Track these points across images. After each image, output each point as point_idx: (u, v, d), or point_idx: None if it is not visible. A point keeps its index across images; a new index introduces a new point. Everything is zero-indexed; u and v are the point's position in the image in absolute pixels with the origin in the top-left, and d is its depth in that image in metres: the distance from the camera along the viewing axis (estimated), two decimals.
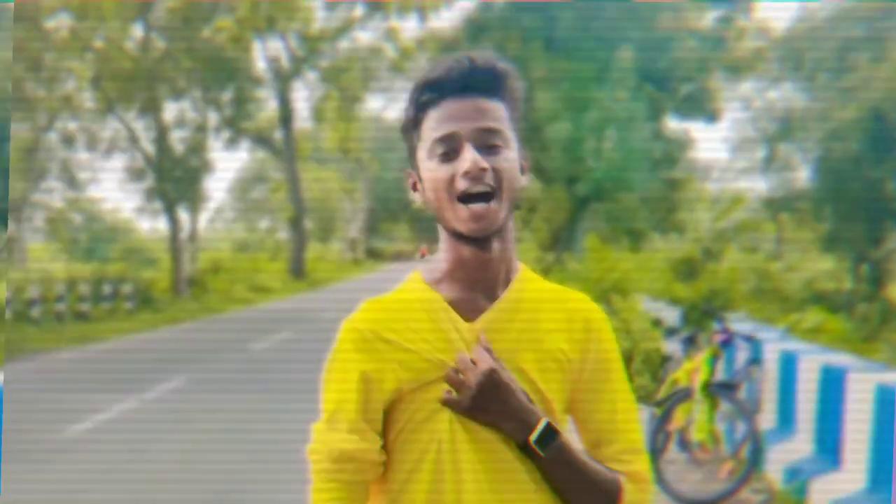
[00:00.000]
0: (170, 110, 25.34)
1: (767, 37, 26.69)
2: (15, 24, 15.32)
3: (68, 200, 33.06)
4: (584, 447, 1.55)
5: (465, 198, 1.43)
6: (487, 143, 1.44)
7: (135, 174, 24.64)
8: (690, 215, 28.10)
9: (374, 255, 51.37)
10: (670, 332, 6.13)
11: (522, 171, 1.52)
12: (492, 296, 1.49)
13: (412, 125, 1.50)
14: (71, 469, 6.69)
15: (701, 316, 7.50)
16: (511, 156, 1.46)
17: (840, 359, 6.37)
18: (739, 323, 7.26)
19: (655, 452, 5.93)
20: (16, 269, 23.58)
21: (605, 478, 1.48)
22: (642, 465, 1.54)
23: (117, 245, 35.63)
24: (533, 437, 1.42)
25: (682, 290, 13.41)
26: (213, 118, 26.49)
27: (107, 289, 19.22)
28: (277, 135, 34.98)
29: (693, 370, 5.93)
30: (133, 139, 24.46)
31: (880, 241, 24.85)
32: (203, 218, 29.83)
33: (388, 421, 1.51)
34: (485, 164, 1.41)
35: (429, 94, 1.46)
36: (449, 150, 1.44)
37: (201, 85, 24.44)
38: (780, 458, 6.06)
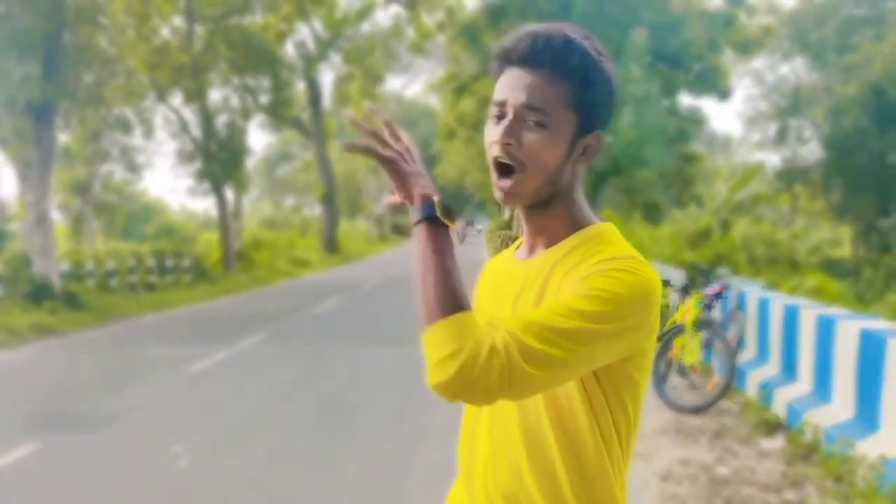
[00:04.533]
0: (213, 98, 27.00)
1: (776, 15, 27.39)
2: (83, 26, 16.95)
3: (102, 183, 34.67)
4: None
5: (496, 166, 1.51)
6: (529, 119, 1.46)
7: (185, 157, 26.44)
8: (707, 189, 28.97)
9: (400, 231, 52.83)
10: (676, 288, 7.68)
11: (585, 151, 1.52)
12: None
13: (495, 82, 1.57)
14: (206, 393, 8.57)
15: (698, 274, 9.15)
16: (551, 137, 1.46)
17: (800, 301, 8.30)
18: (727, 279, 8.95)
19: (660, 378, 7.79)
20: (88, 246, 25.21)
21: (456, 288, 1.39)
22: (505, 333, 1.34)
23: (151, 225, 37.36)
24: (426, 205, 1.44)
25: (690, 255, 14.92)
26: (249, 103, 28.18)
27: (168, 263, 20.96)
28: (305, 115, 36.49)
29: (686, 311, 7.66)
30: (182, 124, 26.82)
31: (887, 211, 26.19)
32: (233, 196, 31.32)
33: None
34: (510, 139, 1.46)
35: (495, 62, 1.53)
36: (500, 114, 1.50)
37: (239, 73, 26.03)
38: (756, 379, 7.95)
